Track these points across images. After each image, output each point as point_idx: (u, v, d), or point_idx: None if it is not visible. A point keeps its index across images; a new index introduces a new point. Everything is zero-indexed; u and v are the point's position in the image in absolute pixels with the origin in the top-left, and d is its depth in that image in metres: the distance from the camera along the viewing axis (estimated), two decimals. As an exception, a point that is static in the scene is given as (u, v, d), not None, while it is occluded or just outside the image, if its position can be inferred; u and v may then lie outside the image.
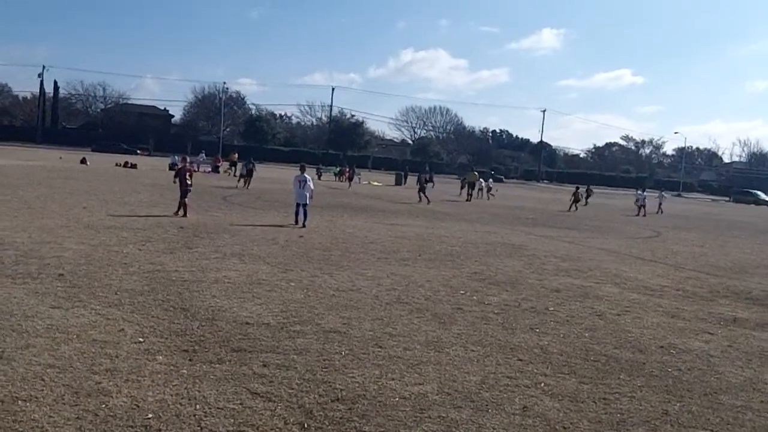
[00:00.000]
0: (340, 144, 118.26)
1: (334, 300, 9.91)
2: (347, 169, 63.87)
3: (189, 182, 20.33)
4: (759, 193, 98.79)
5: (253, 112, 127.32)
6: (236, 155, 53.61)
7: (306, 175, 20.46)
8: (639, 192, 44.35)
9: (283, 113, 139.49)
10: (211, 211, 21.87)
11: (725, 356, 8.55)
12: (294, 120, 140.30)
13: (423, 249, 16.45)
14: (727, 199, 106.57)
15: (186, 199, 19.97)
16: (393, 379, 6.55)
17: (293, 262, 12.97)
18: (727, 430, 6.01)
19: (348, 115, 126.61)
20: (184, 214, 19.46)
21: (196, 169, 53.28)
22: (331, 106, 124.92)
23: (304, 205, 19.93)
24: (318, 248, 15.14)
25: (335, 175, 64.36)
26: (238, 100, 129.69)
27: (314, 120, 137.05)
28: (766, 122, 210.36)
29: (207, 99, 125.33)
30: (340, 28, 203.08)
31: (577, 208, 40.34)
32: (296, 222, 19.76)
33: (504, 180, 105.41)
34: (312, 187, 20.56)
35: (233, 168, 49.77)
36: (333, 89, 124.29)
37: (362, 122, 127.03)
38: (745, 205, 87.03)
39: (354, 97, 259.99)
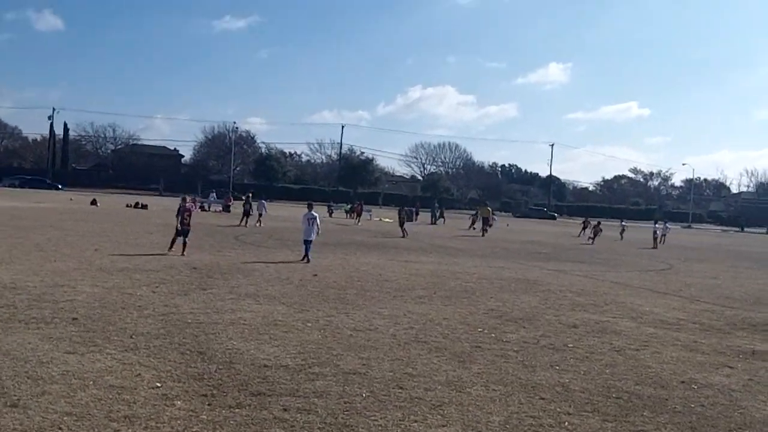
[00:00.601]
0: (350, 181, 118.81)
1: (352, 340, 9.83)
2: (358, 206, 63.94)
3: (187, 221, 20.63)
4: None
5: (263, 150, 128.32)
6: (251, 195, 53.91)
7: (314, 213, 21.34)
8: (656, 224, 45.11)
9: (293, 151, 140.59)
10: (224, 251, 21.87)
11: (747, 390, 8.44)
12: (304, 158, 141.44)
13: (438, 286, 16.38)
14: (737, 229, 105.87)
15: (186, 238, 20.36)
16: (416, 422, 6.45)
17: (309, 302, 12.91)
18: (756, 468, 5.91)
19: (358, 153, 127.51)
20: (177, 249, 20.00)
21: (207, 209, 53.96)
22: (341, 143, 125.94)
23: (310, 240, 20.76)
24: (333, 287, 15.10)
25: (346, 212, 64.32)
26: (248, 139, 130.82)
27: (324, 158, 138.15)
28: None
29: (217, 138, 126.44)
30: (348, 67, 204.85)
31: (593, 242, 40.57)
32: (308, 260, 20.11)
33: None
34: (319, 224, 21.35)
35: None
36: (343, 127, 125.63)
37: (372, 159, 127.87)
38: None
39: (363, 135, 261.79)
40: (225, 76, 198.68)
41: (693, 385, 8.48)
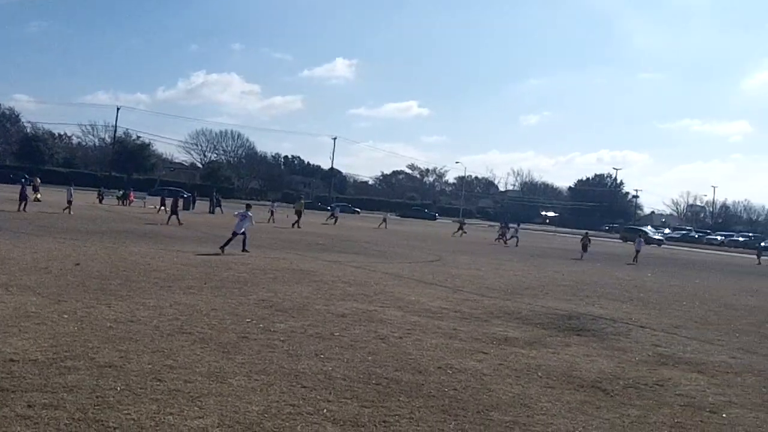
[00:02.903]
0: (124, 166, 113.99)
1: (111, 332, 9.39)
2: (132, 193, 61.57)
3: None
4: (647, 230, 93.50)
5: (29, 130, 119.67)
6: (38, 180, 50.51)
7: (249, 213, 24.16)
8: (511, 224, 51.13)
9: (62, 132, 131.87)
10: (-23, 238, 20.14)
11: (497, 374, 9.01)
12: (75, 140, 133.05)
13: (209, 276, 16.07)
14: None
15: None
16: (171, 414, 6.28)
17: (67, 293, 12.17)
18: (497, 446, 6.32)
19: (134, 137, 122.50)
20: None
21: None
22: (115, 126, 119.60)
23: (243, 233, 23.26)
24: (96, 277, 14.34)
25: (118, 198, 61.56)
26: (12, 118, 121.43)
27: (97, 140, 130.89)
28: (537, 154, 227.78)
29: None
30: (128, 47, 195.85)
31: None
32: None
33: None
34: (252, 222, 24.92)
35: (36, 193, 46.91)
36: (118, 109, 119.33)
37: (149, 144, 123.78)
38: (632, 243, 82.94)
39: (141, 118, 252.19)
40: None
41: (448, 370, 8.93)
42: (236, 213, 25.36)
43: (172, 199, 40.12)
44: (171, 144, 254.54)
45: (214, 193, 62.42)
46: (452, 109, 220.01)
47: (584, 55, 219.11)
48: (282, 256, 23.02)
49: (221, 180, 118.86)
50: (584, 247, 40.77)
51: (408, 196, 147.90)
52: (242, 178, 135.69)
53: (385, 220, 60.81)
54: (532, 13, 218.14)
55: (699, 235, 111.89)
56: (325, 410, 6.79)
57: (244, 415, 6.42)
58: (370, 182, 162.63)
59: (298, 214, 46.39)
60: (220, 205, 58.22)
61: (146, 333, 9.54)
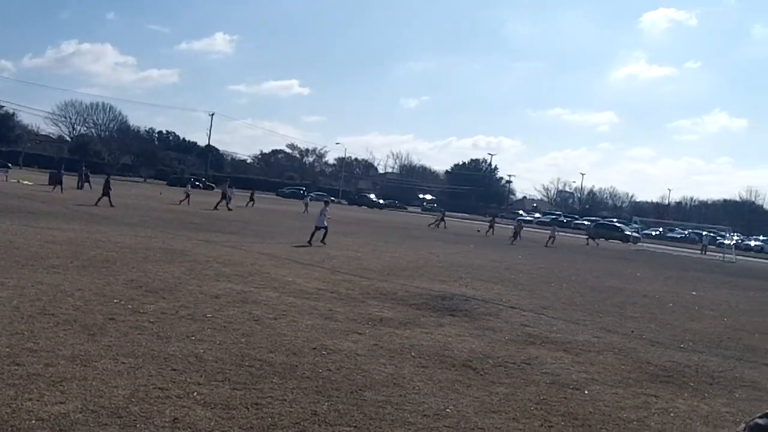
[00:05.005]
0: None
1: (-34, 313, 8.86)
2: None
3: None
4: (624, 227, 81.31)
5: None
6: None
7: (327, 208, 27.91)
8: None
9: None
10: None
11: (371, 354, 9.08)
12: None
13: (76, 255, 15.39)
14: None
15: None
16: (30, 400, 5.97)
17: None
18: (369, 425, 6.34)
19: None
20: None
21: None
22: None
23: (325, 227, 26.21)
24: (-49, 255, 13.51)
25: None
26: None
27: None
28: (416, 137, 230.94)
29: None
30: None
31: None
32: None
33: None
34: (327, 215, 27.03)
35: None
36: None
37: (13, 114, 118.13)
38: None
39: (5, 87, 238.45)
40: None
41: (323, 351, 8.92)
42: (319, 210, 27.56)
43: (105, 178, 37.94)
44: (38, 115, 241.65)
45: (83, 168, 59.89)
46: (333, 90, 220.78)
47: (462, 41, 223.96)
48: (154, 235, 22.35)
49: (91, 154, 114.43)
50: (515, 234, 44.85)
51: (287, 176, 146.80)
52: (113, 153, 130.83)
53: (306, 204, 59.82)
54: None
55: (567, 220, 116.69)
56: (195, 393, 6.64)
57: (110, 400, 6.19)
58: (248, 161, 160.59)
59: (223, 195, 46.32)
60: (88, 181, 55.96)
61: (5, 314, 9.03)
